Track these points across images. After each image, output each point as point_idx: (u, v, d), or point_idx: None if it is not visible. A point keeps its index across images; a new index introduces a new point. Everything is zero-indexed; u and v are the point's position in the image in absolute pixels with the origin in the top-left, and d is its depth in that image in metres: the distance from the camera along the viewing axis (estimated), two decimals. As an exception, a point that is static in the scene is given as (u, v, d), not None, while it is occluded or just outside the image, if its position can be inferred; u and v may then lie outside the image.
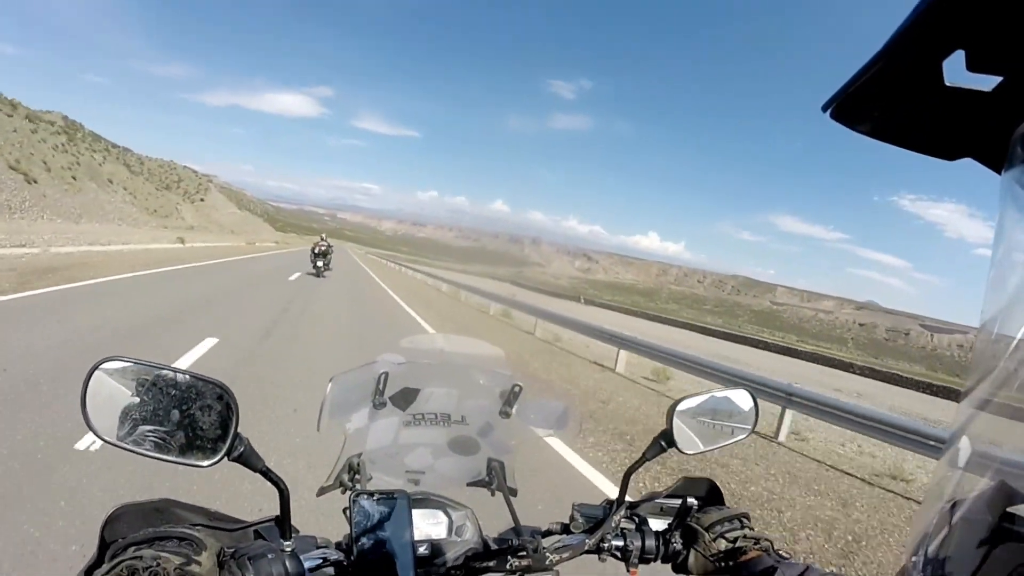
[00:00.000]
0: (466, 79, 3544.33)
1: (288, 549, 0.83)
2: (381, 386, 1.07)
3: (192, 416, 0.73)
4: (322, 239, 25.29)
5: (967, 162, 0.43)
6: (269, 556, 0.79)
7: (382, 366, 1.07)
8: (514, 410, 1.12)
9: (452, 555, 0.99)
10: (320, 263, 23.80)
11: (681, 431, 1.02)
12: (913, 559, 0.40)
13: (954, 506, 0.39)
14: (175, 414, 0.73)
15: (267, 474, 0.81)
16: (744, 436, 1.11)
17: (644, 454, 1.01)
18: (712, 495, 1.09)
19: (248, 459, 0.78)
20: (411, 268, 48.40)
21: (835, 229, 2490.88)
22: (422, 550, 0.97)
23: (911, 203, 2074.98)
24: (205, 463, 0.74)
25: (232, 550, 0.78)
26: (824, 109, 0.44)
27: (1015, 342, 0.36)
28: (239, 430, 0.76)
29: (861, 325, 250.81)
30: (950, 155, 0.44)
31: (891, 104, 0.42)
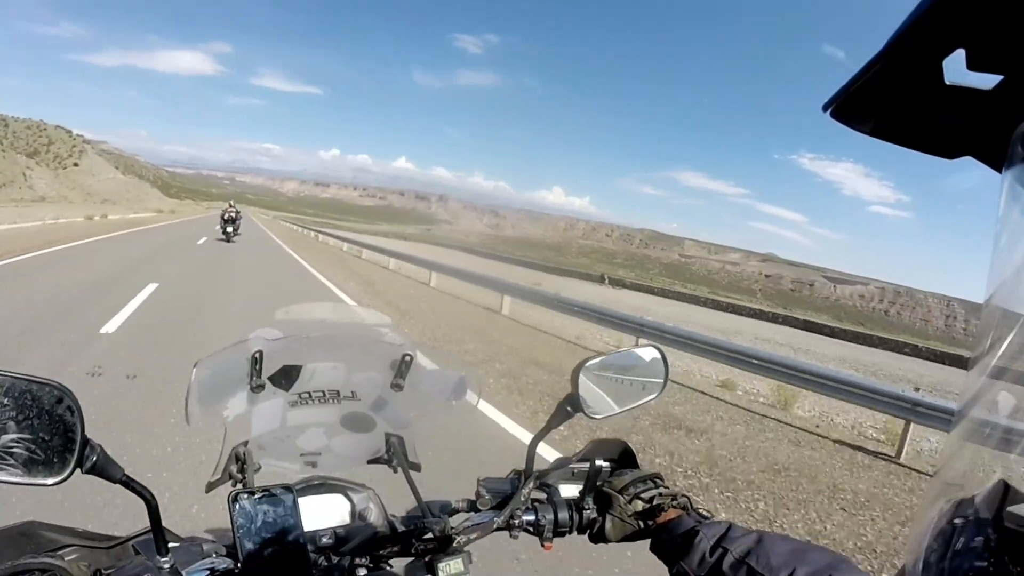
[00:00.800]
0: (369, 33, 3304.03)
1: (166, 565, 0.76)
2: (257, 367, 0.95)
3: (31, 427, 0.63)
4: (231, 206, 26.68)
5: (966, 160, 0.44)
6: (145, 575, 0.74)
7: (255, 343, 0.95)
8: (407, 381, 1.04)
9: (358, 541, 0.93)
10: (229, 228, 24.92)
11: (589, 392, 0.99)
12: (913, 559, 0.40)
13: (954, 505, 0.40)
14: (10, 426, 0.62)
15: (128, 484, 0.73)
16: (656, 395, 1.09)
17: (549, 421, 0.98)
18: (624, 457, 1.05)
19: (104, 469, 0.69)
20: (321, 232, 42.15)
21: (736, 184, 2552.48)
22: (325, 539, 0.91)
23: (810, 162, 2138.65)
24: (52, 480, 0.64)
25: (109, 571, 0.74)
26: (825, 109, 0.44)
27: (1008, 347, 0.36)
28: (88, 435, 0.67)
29: (767, 276, 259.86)
30: (950, 154, 0.44)
31: (892, 103, 0.43)
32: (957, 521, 0.39)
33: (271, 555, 0.85)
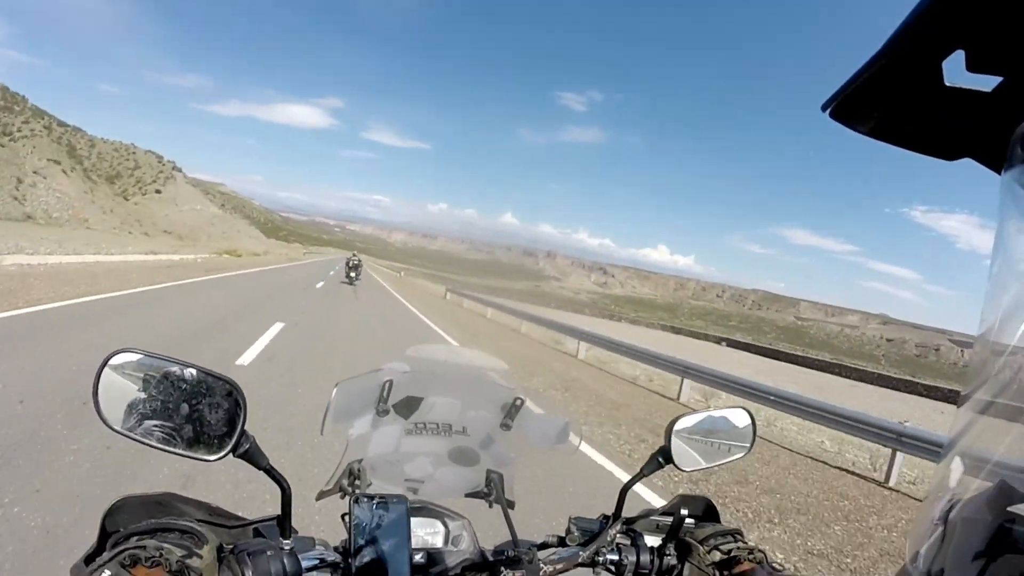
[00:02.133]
0: (476, 91, 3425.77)
1: (287, 548, 0.85)
2: (385, 393, 1.07)
3: (200, 411, 0.76)
4: (354, 255, 32.74)
5: (970, 164, 0.44)
6: (268, 553, 0.82)
7: (387, 374, 1.08)
8: (515, 423, 1.12)
9: (448, 564, 1.00)
10: (352, 274, 30.25)
11: (679, 448, 1.06)
12: (913, 559, 0.41)
13: (954, 507, 0.40)
14: (184, 408, 0.76)
15: (270, 472, 0.83)
16: (742, 455, 1.14)
17: (641, 470, 1.05)
18: (708, 513, 1.11)
19: (253, 456, 0.80)
20: (451, 291, 37.12)
21: (845, 241, 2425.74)
22: (418, 558, 0.98)
23: (922, 215, 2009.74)
24: (211, 458, 0.77)
25: (231, 546, 0.81)
26: (824, 108, 0.44)
27: (1012, 346, 0.36)
28: (246, 428, 0.79)
29: (889, 340, 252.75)
30: (950, 155, 0.45)
31: (891, 104, 0.43)
32: (957, 521, 0.39)
33: (378, 557, 0.92)
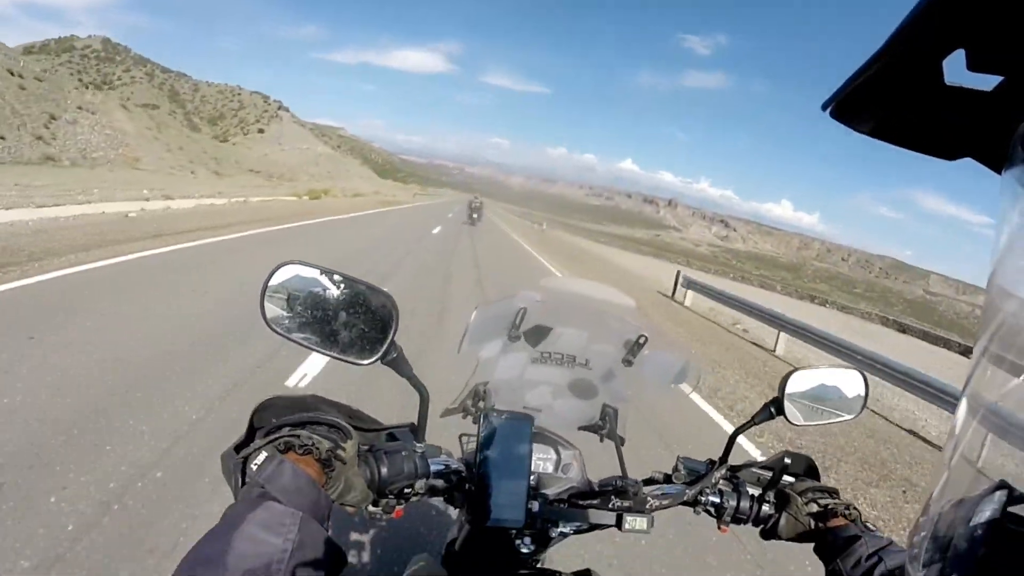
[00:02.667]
0: (596, 33, 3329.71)
1: (419, 451, 0.91)
2: (518, 320, 1.12)
3: (357, 319, 0.83)
4: (476, 198, 36.19)
5: (970, 162, 0.44)
6: (403, 453, 0.89)
7: (521, 301, 1.12)
8: (636, 360, 1.15)
9: (557, 489, 1.05)
10: (475, 215, 33.46)
11: (792, 401, 1.07)
12: (912, 559, 0.41)
13: (954, 506, 0.40)
14: (342, 316, 0.83)
15: (412, 380, 0.89)
16: (854, 415, 1.14)
17: (753, 418, 1.08)
18: (809, 472, 1.12)
19: (399, 365, 0.87)
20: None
21: (981, 212, 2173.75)
22: (530, 480, 1.01)
23: None
24: (363, 362, 0.83)
25: (368, 446, 0.88)
26: (824, 108, 0.45)
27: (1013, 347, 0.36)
28: (395, 339, 0.84)
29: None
30: (950, 155, 0.45)
31: (891, 103, 0.43)
32: (956, 521, 0.39)
33: (501, 468, 0.97)
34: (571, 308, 1.21)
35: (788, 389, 1.06)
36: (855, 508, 1.00)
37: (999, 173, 0.39)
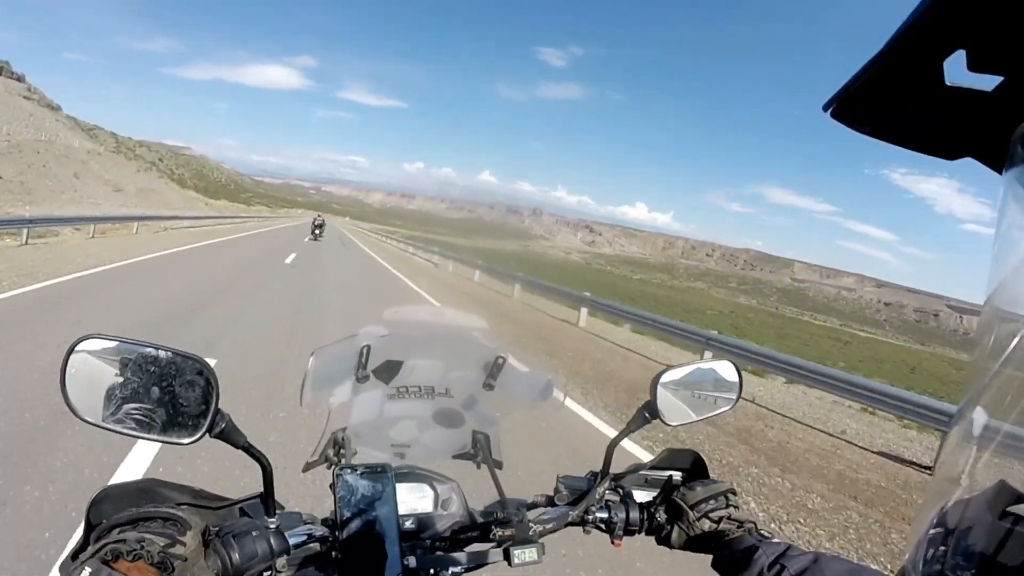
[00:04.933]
0: (453, 47, 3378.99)
1: (272, 526, 0.85)
2: (364, 359, 1.08)
3: (173, 393, 0.76)
4: (318, 216, 39.22)
5: (968, 160, 0.45)
6: (254, 533, 0.82)
7: (364, 338, 1.08)
8: (498, 382, 1.14)
9: (438, 528, 1.03)
10: (318, 231, 35.63)
11: (665, 402, 1.06)
12: (912, 559, 0.41)
13: (954, 506, 0.41)
14: (155, 391, 0.75)
15: (249, 450, 0.83)
16: (728, 407, 1.15)
17: (628, 426, 1.05)
18: (696, 467, 1.13)
19: (230, 435, 0.80)
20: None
21: (825, 201, 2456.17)
22: (408, 524, 1.00)
23: (902, 177, 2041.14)
24: (187, 440, 0.76)
25: (217, 528, 0.81)
26: (825, 109, 0.45)
27: (1011, 348, 0.37)
28: (220, 406, 0.78)
29: (887, 304, 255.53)
30: (951, 155, 0.46)
31: (892, 104, 0.44)
32: (957, 521, 0.40)
33: (366, 528, 0.93)
34: (420, 338, 1.18)
35: (660, 390, 1.06)
36: (750, 520, 1.01)
37: (999, 173, 0.40)
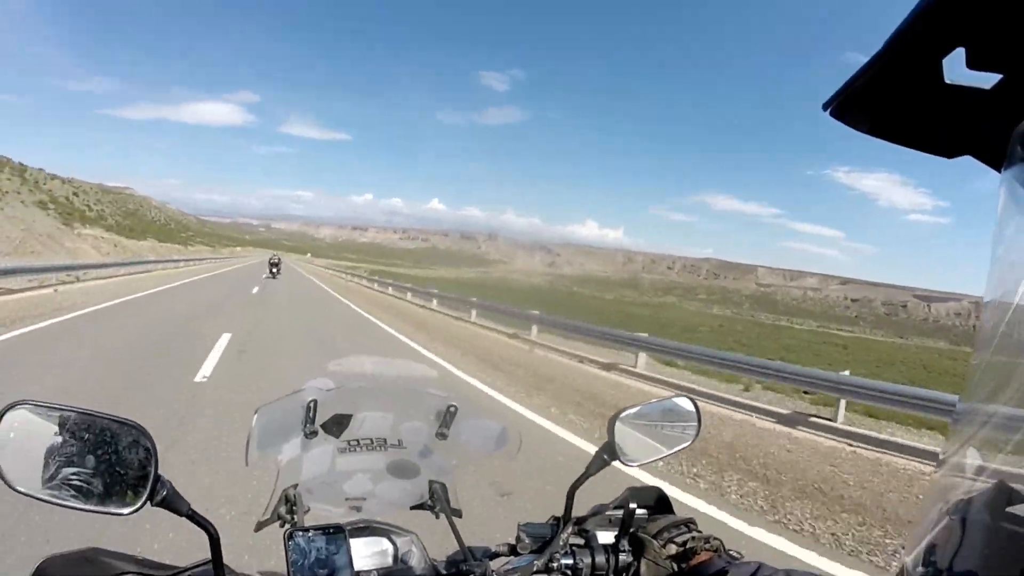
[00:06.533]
0: (395, 77, 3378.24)
1: None
2: (311, 414, 1.06)
3: (109, 461, 0.73)
4: (274, 255, 41.51)
5: (965, 159, 0.45)
6: None
7: (310, 393, 1.06)
8: (451, 431, 1.13)
9: None
10: (274, 270, 36.70)
11: (624, 442, 1.06)
12: (913, 558, 0.41)
13: (953, 507, 0.41)
14: (91, 460, 0.73)
15: (193, 518, 0.80)
16: (688, 443, 1.15)
17: (587, 469, 1.05)
18: (660, 504, 1.12)
19: (172, 503, 0.78)
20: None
21: (770, 205, 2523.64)
22: None
23: (844, 175, 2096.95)
24: (126, 510, 0.74)
25: None
26: (825, 108, 0.45)
27: (1013, 344, 0.37)
28: (160, 472, 0.76)
29: (855, 300, 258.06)
30: (950, 153, 0.46)
31: (892, 102, 0.44)
32: (957, 521, 0.40)
33: None
34: (369, 390, 1.17)
35: (618, 430, 1.06)
36: (715, 539, 1.00)
37: (998, 171, 0.41)
